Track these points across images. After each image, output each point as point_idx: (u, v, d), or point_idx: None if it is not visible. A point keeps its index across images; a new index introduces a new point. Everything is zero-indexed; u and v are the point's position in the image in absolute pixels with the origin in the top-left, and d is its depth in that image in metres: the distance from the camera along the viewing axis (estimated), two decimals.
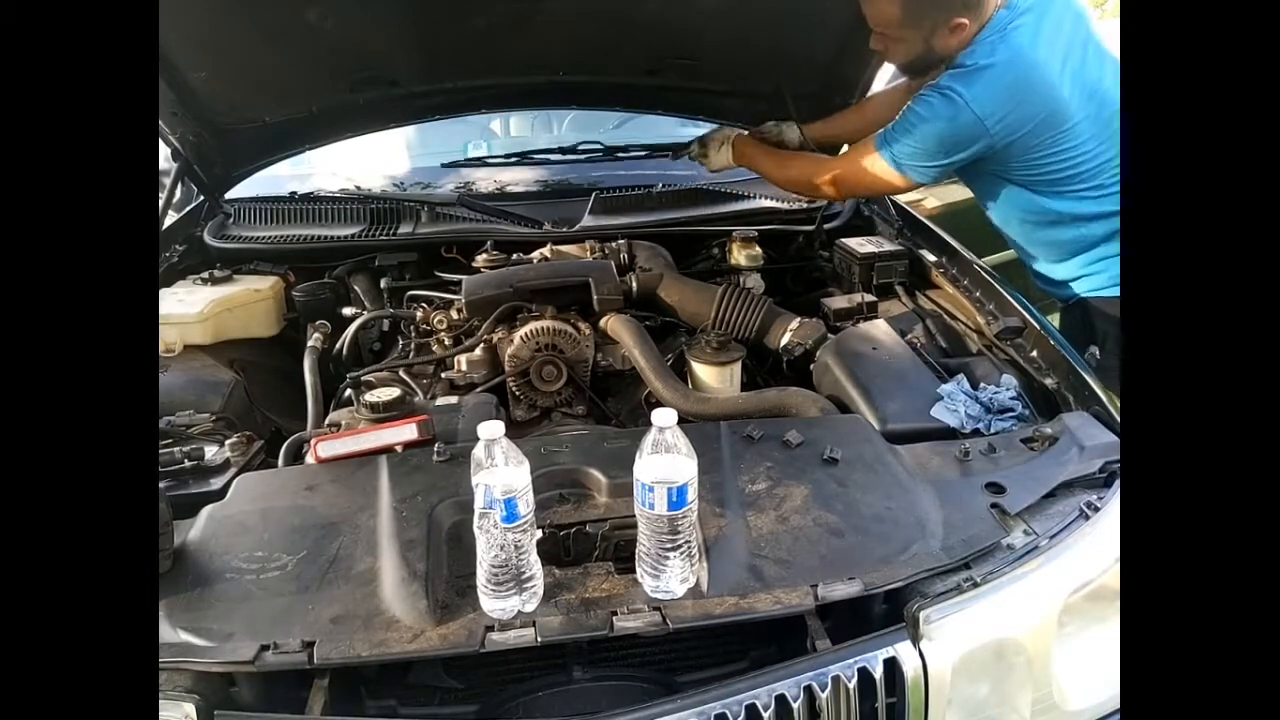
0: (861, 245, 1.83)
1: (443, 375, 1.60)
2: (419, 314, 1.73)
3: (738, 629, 0.97)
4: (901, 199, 2.10)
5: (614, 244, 1.84)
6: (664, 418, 0.90)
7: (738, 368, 1.54)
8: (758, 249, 1.92)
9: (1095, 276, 1.68)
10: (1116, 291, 1.65)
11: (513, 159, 2.38)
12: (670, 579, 0.91)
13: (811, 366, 1.54)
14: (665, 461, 0.89)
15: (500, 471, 0.88)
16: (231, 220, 2.12)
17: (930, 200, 3.10)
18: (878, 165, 1.61)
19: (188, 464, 1.23)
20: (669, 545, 0.90)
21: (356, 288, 1.96)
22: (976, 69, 1.50)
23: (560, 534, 1.02)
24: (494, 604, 0.89)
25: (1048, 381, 1.38)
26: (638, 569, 0.93)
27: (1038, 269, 1.79)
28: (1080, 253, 1.67)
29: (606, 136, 2.44)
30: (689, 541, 0.92)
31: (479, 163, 2.40)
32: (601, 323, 1.63)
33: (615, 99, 2.35)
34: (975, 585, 0.93)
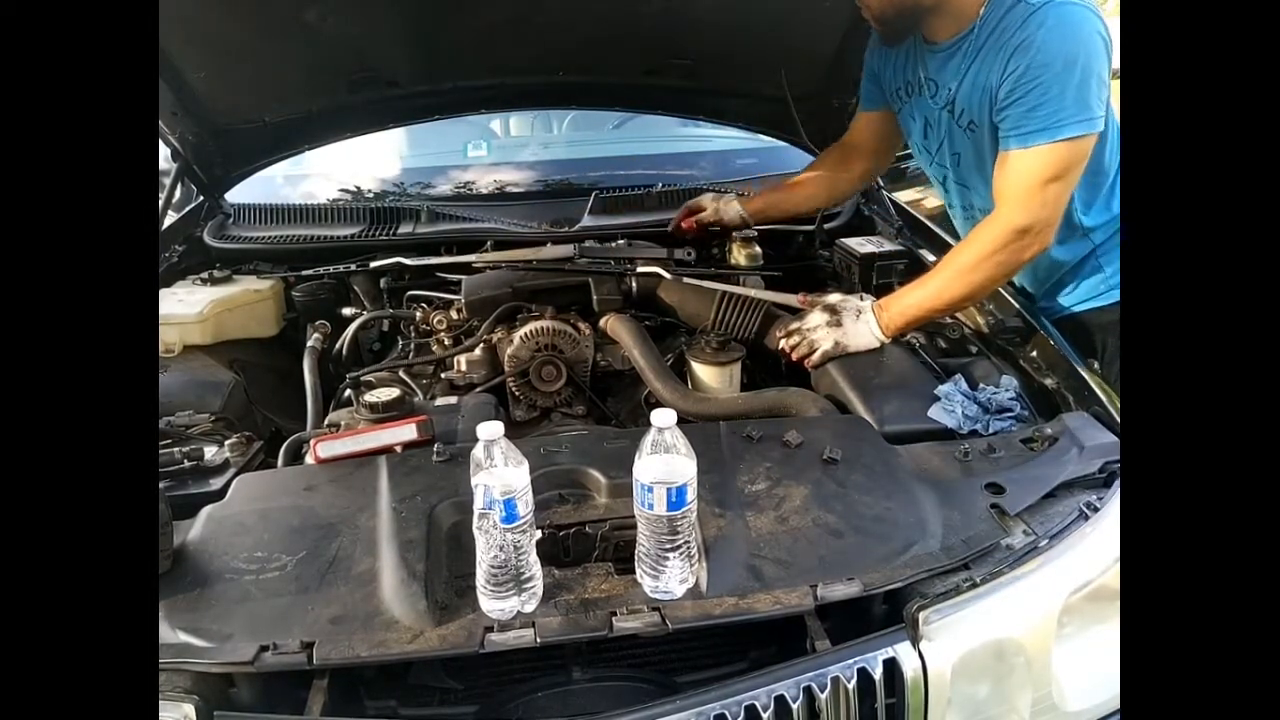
0: (861, 245, 1.83)
1: (442, 375, 1.60)
2: (418, 314, 1.74)
3: (737, 629, 0.97)
4: (901, 198, 2.09)
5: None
6: (663, 418, 0.90)
7: (737, 368, 1.54)
8: (757, 249, 1.91)
9: (1080, 289, 1.65)
10: (1107, 302, 1.62)
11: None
12: (669, 579, 0.91)
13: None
14: (664, 462, 0.89)
15: (499, 472, 0.88)
16: (231, 220, 2.12)
17: (930, 200, 3.09)
18: (1054, 154, 1.31)
19: (187, 464, 1.23)
20: (668, 546, 0.90)
21: (356, 288, 1.95)
22: None
23: (559, 534, 1.01)
24: (493, 604, 0.88)
25: (1047, 382, 1.38)
26: (637, 569, 0.93)
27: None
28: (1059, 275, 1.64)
29: (614, 150, 2.43)
30: (688, 542, 0.92)
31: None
32: (601, 323, 1.63)
33: (615, 99, 2.35)
34: (975, 586, 0.93)
